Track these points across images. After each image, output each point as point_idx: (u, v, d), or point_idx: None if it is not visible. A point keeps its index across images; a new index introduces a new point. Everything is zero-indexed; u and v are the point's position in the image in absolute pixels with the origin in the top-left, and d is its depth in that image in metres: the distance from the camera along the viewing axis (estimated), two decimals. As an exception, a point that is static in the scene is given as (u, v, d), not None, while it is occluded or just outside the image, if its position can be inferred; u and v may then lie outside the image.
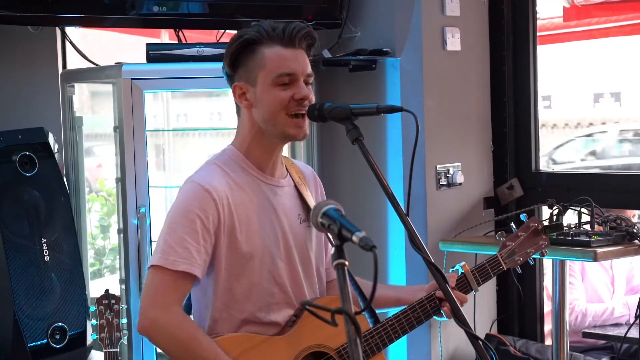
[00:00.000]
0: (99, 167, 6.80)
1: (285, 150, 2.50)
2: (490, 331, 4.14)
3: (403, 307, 2.46)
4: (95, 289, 3.87)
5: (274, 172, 2.41)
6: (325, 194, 2.60)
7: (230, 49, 2.35)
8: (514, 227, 2.68)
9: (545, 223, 2.71)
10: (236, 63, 2.35)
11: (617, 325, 4.22)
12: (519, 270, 2.68)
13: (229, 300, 2.33)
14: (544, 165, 6.42)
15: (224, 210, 2.29)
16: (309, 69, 2.34)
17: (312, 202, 2.43)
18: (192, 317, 2.43)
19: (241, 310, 2.34)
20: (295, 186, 2.45)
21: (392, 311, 2.49)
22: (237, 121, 2.43)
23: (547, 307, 4.21)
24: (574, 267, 4.27)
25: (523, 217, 2.79)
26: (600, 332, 4.14)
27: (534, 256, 2.66)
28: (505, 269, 2.59)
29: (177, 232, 2.25)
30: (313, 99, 2.35)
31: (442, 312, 2.43)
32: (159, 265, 2.24)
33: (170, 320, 2.23)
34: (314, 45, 2.38)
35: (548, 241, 2.67)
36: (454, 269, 2.54)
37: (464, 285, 2.50)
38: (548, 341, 4.12)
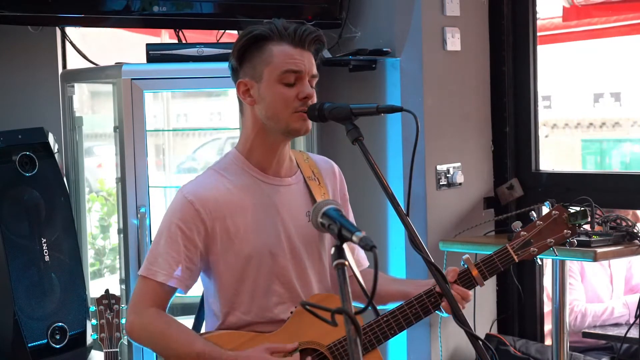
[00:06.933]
0: (99, 167, 6.79)
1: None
2: (490, 331, 4.14)
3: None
4: (95, 289, 3.87)
5: (279, 171, 2.40)
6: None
7: (239, 44, 2.34)
8: (534, 215, 2.41)
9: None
10: (243, 58, 2.35)
11: (617, 325, 4.22)
12: (539, 262, 2.44)
13: (235, 303, 2.35)
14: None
15: (210, 217, 2.31)
16: (314, 71, 2.35)
17: (320, 198, 2.40)
18: (204, 322, 2.46)
19: (247, 311, 2.35)
20: (305, 182, 2.44)
21: (392, 306, 2.48)
22: (241, 120, 2.43)
23: (547, 307, 4.21)
24: (573, 267, 4.27)
25: (547, 204, 2.53)
26: (600, 332, 4.14)
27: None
28: (517, 261, 2.37)
29: (161, 243, 2.33)
30: (315, 99, 2.35)
31: (441, 307, 2.34)
32: (142, 274, 2.34)
33: (143, 320, 2.30)
34: (322, 50, 2.38)
35: (574, 230, 2.37)
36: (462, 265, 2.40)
37: (468, 279, 2.37)
38: (548, 341, 4.12)
